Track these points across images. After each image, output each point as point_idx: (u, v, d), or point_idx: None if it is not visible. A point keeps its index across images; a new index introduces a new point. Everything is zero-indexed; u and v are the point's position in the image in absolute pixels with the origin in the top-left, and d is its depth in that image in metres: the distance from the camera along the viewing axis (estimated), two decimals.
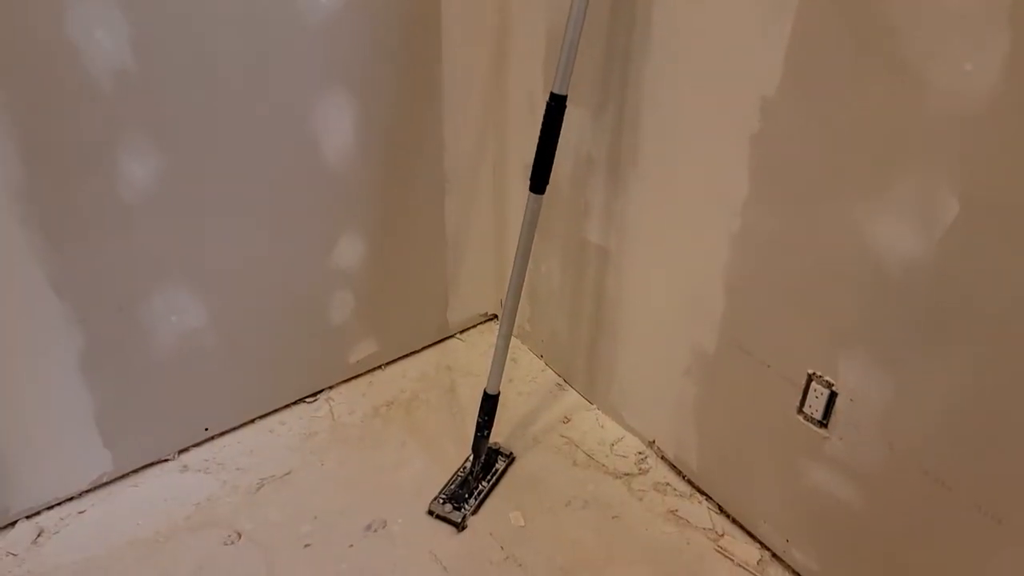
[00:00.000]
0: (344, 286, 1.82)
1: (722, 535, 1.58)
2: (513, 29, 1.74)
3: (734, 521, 1.60)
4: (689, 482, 1.69)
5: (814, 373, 1.28)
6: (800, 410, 1.33)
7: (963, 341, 1.05)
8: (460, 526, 1.58)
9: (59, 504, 1.59)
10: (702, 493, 1.67)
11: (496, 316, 2.23)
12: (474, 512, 1.62)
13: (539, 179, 1.38)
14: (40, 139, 1.28)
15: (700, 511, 1.63)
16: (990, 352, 1.03)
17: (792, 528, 1.46)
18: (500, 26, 1.76)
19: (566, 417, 1.90)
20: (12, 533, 1.52)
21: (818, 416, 1.29)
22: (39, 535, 1.53)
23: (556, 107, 1.31)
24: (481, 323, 2.22)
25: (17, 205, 1.29)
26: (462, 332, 2.18)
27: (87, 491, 1.62)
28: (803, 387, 1.31)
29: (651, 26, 1.37)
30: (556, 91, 1.30)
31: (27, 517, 1.55)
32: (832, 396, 1.26)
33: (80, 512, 1.59)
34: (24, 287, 1.36)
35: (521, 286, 1.50)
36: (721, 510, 1.63)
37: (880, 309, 1.14)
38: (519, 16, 1.71)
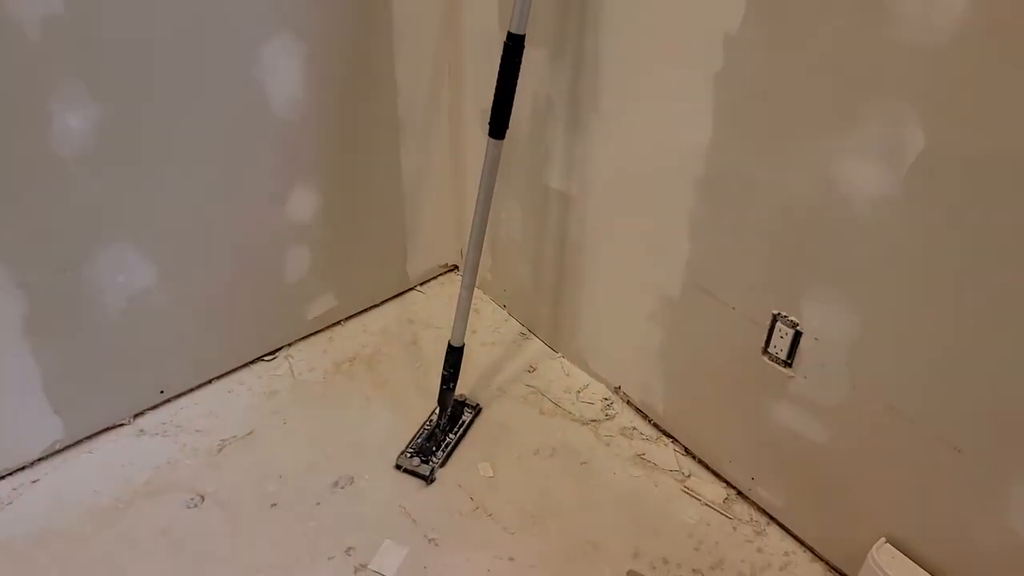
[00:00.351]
0: (299, 240, 1.76)
1: (688, 476, 1.60)
2: None
3: (700, 462, 1.62)
4: (655, 426, 1.71)
5: (779, 313, 1.29)
6: (765, 351, 1.34)
7: (930, 278, 1.06)
8: (428, 479, 1.57)
9: (10, 474, 1.53)
10: (668, 436, 1.68)
11: (457, 267, 2.20)
12: (442, 465, 1.61)
13: (498, 124, 1.34)
14: None
15: (666, 454, 1.65)
16: (957, 287, 1.03)
17: (757, 467, 1.48)
18: None
19: (531, 366, 1.89)
20: None
21: (783, 356, 1.30)
22: None
23: (514, 47, 1.26)
24: (441, 274, 2.18)
25: None
26: (422, 284, 2.15)
27: (39, 460, 1.56)
28: (768, 328, 1.31)
29: None
30: (513, 31, 1.25)
31: None
32: (797, 336, 1.27)
33: (33, 481, 1.53)
34: None
35: (483, 236, 1.47)
36: (687, 452, 1.65)
37: (846, 248, 1.14)
38: None
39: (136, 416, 1.68)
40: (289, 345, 1.90)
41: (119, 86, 1.33)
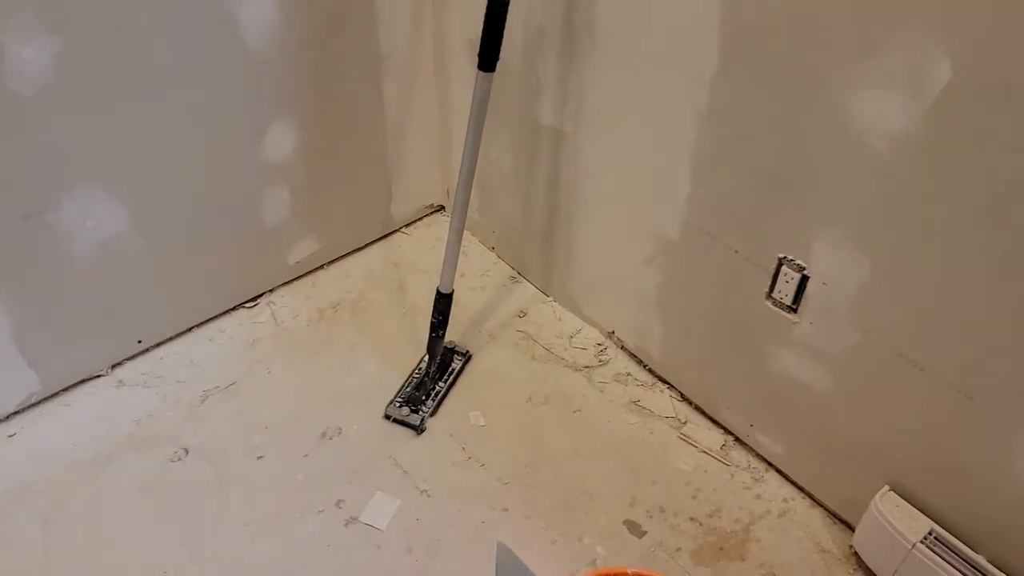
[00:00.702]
0: (278, 180, 1.68)
1: (685, 423, 1.57)
2: None
3: (697, 408, 1.59)
4: (650, 371, 1.67)
5: (785, 257, 1.23)
6: (769, 295, 1.28)
7: (949, 219, 1.00)
8: (419, 429, 1.53)
9: None
10: (664, 382, 1.65)
11: (443, 207, 2.12)
12: (432, 414, 1.57)
13: (488, 55, 1.25)
14: None
15: (662, 400, 1.62)
16: (973, 228, 0.98)
17: (756, 413, 1.45)
18: None
19: (522, 311, 1.84)
20: None
21: (787, 301, 1.25)
22: None
23: None
24: (427, 215, 2.11)
25: None
26: (407, 226, 2.07)
27: (14, 413, 1.51)
28: (773, 272, 1.26)
29: None
30: None
31: None
32: (803, 280, 1.21)
33: (10, 436, 1.48)
34: None
35: (472, 176, 1.39)
36: (683, 398, 1.61)
37: (861, 188, 1.08)
38: None
39: (114, 367, 1.62)
40: (271, 291, 1.83)
41: (78, 16, 1.22)
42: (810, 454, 1.38)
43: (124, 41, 1.30)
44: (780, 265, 1.24)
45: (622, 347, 1.72)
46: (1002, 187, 0.93)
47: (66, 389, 1.56)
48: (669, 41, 1.25)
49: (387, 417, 1.56)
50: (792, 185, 1.17)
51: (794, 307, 1.25)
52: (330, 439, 1.52)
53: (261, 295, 1.82)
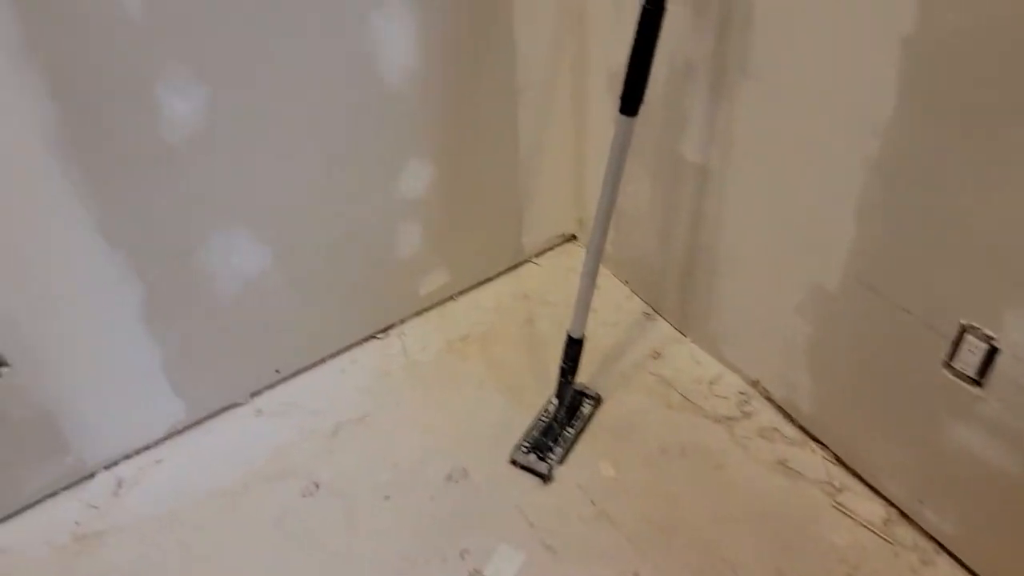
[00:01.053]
0: (411, 214, 1.67)
1: (840, 489, 1.42)
2: None
3: (854, 474, 1.44)
4: (801, 428, 1.53)
5: (969, 324, 1.07)
6: (948, 364, 1.13)
7: None
8: (546, 478, 1.47)
9: (136, 454, 1.55)
10: (816, 441, 1.50)
11: (574, 236, 2.05)
12: (560, 462, 1.50)
13: (631, 99, 1.17)
14: (73, 78, 1.13)
15: (814, 461, 1.48)
16: None
17: (927, 487, 1.29)
18: None
19: (656, 352, 1.74)
20: (92, 485, 1.50)
21: (971, 373, 1.10)
22: (119, 486, 1.50)
23: (654, 10, 1.08)
24: (558, 245, 2.05)
25: (56, 152, 1.17)
26: (538, 256, 2.02)
27: (162, 439, 1.57)
28: (954, 340, 1.10)
29: None
30: None
31: (105, 468, 1.52)
32: (992, 352, 1.06)
33: (157, 461, 1.55)
34: (74, 240, 1.26)
35: (608, 220, 1.31)
36: (838, 460, 1.46)
37: None
38: None
39: (253, 395, 1.66)
40: (401, 322, 1.83)
41: (225, 65, 1.25)
42: (992, 539, 1.21)
43: (268, 87, 1.32)
44: (963, 333, 1.08)
45: (768, 398, 1.59)
46: None
47: (209, 417, 1.62)
48: (836, 76, 1.13)
49: (513, 462, 1.51)
50: (984, 244, 1.01)
51: (979, 380, 1.09)
52: (456, 482, 1.49)
53: (392, 326, 1.82)
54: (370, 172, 1.55)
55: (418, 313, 1.85)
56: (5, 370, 1.28)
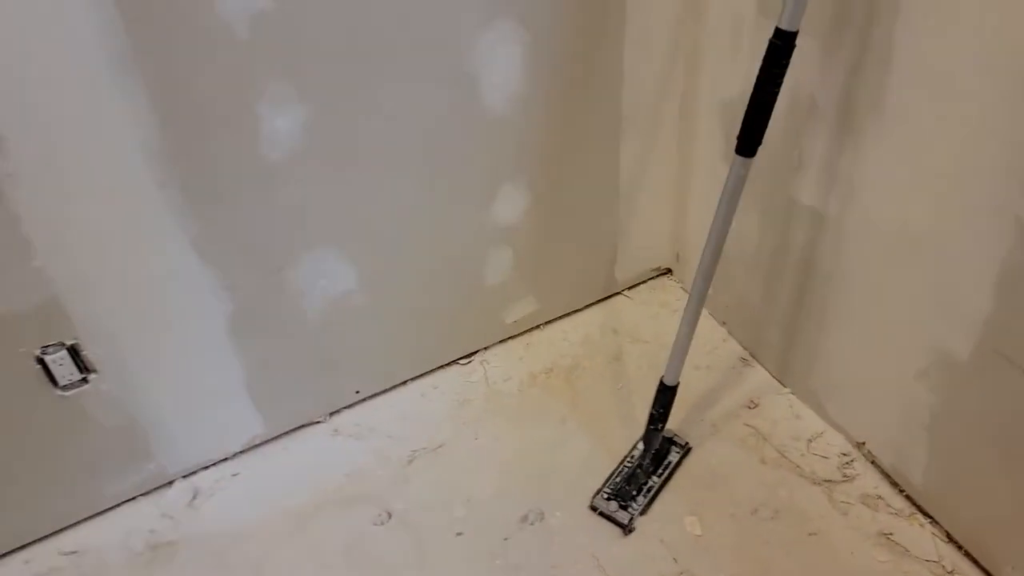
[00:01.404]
0: (503, 241, 1.62)
1: (951, 572, 1.29)
2: None
3: (967, 555, 1.30)
4: (908, 499, 1.40)
5: None
6: None
7: None
8: (627, 529, 1.39)
9: (214, 465, 1.55)
10: (925, 515, 1.37)
11: (670, 270, 1.96)
12: (642, 512, 1.42)
13: (750, 140, 1.09)
14: (175, 94, 1.13)
15: (922, 537, 1.35)
16: None
17: None
18: None
19: (752, 401, 1.63)
20: (169, 493, 1.50)
21: None
22: (194, 497, 1.50)
23: (783, 47, 0.99)
24: (652, 278, 1.96)
25: (154, 167, 1.17)
26: (630, 288, 1.94)
27: (240, 452, 1.57)
28: None
29: None
30: (784, 26, 0.98)
31: (183, 477, 1.52)
32: None
33: (234, 475, 1.54)
34: (169, 254, 1.26)
35: (714, 266, 1.23)
36: (950, 539, 1.33)
37: None
38: None
39: (332, 414, 1.65)
40: (485, 349, 1.79)
41: (327, 85, 1.24)
42: None
43: (368, 107, 1.29)
44: None
45: (873, 462, 1.46)
46: None
47: (287, 433, 1.61)
48: (985, 124, 1.01)
49: (593, 509, 1.43)
50: None
51: None
52: (531, 524, 1.43)
53: (475, 352, 1.78)
54: (465, 196, 1.51)
55: (503, 341, 1.80)
56: (93, 376, 1.30)
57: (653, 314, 1.86)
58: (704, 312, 1.81)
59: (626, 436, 1.56)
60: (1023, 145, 0.97)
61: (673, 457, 1.51)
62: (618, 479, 1.47)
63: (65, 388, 1.28)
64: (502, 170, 1.52)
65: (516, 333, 1.81)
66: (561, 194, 1.63)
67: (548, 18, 1.36)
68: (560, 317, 1.86)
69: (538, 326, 1.83)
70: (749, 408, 1.62)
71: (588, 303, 1.89)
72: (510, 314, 1.76)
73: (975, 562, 1.30)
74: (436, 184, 1.45)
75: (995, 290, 1.08)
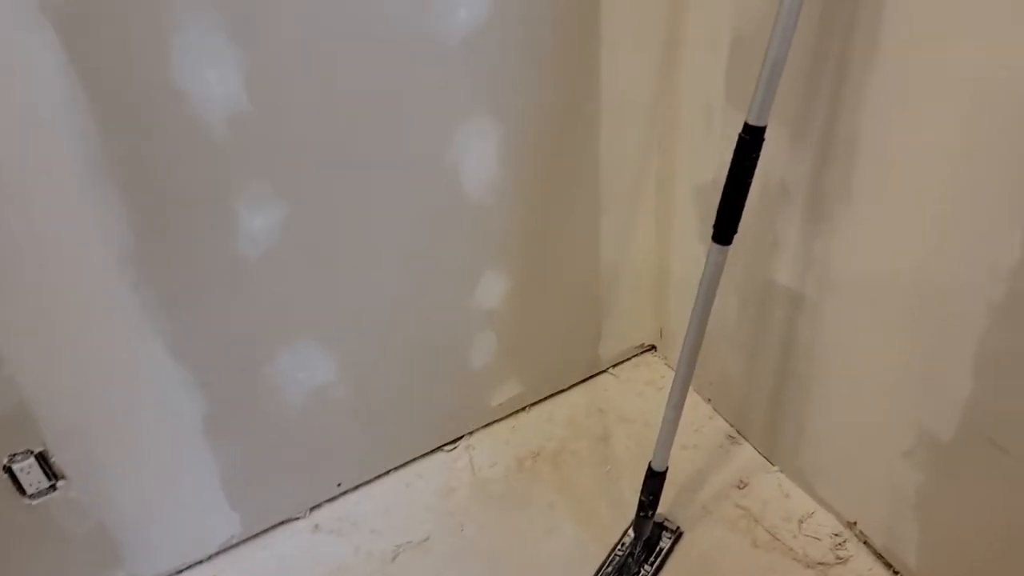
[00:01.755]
0: (486, 325, 1.61)
1: None
2: (688, 38, 1.43)
3: None
4: None
5: None
6: None
7: None
8: None
9: (188, 568, 1.49)
10: None
11: (654, 347, 1.96)
12: None
13: (725, 229, 1.10)
14: (151, 197, 1.13)
15: None
16: None
17: None
18: (670, 38, 1.46)
19: (742, 481, 1.61)
20: None
21: None
22: None
23: (751, 141, 1.01)
24: (636, 355, 1.95)
25: (128, 269, 1.16)
26: (615, 366, 1.93)
27: (216, 554, 1.51)
28: None
29: (880, 30, 1.04)
30: (752, 122, 1.00)
31: None
32: None
33: None
34: (141, 353, 1.23)
35: (697, 351, 1.23)
36: None
37: None
38: (696, 24, 1.40)
39: (312, 509, 1.60)
40: (470, 434, 1.76)
41: (306, 182, 1.24)
42: None
43: (346, 202, 1.30)
44: None
45: (865, 542, 1.44)
46: None
47: (265, 531, 1.55)
48: (953, 209, 1.03)
49: None
50: None
51: None
52: None
53: (460, 438, 1.75)
54: (445, 284, 1.51)
55: (488, 425, 1.78)
56: (62, 483, 1.25)
57: (639, 392, 1.85)
58: (689, 389, 1.81)
59: (616, 520, 1.52)
60: (992, 230, 0.98)
61: (665, 543, 1.48)
62: (609, 569, 1.44)
63: (32, 496, 1.24)
64: (483, 257, 1.52)
65: (501, 416, 1.78)
66: (543, 276, 1.63)
67: (523, 109, 1.39)
68: (546, 398, 1.84)
69: (523, 408, 1.81)
70: (739, 488, 1.59)
71: (573, 383, 1.87)
72: (495, 397, 1.74)
73: None
74: (416, 273, 1.45)
75: (973, 371, 1.08)
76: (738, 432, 1.71)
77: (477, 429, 1.76)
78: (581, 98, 1.46)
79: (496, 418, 1.78)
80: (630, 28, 1.43)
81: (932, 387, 1.16)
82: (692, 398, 1.81)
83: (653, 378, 1.89)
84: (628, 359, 1.94)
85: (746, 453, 1.67)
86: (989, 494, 1.14)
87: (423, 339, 1.54)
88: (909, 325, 1.17)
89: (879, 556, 1.42)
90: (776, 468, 1.62)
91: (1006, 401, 1.05)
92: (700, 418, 1.77)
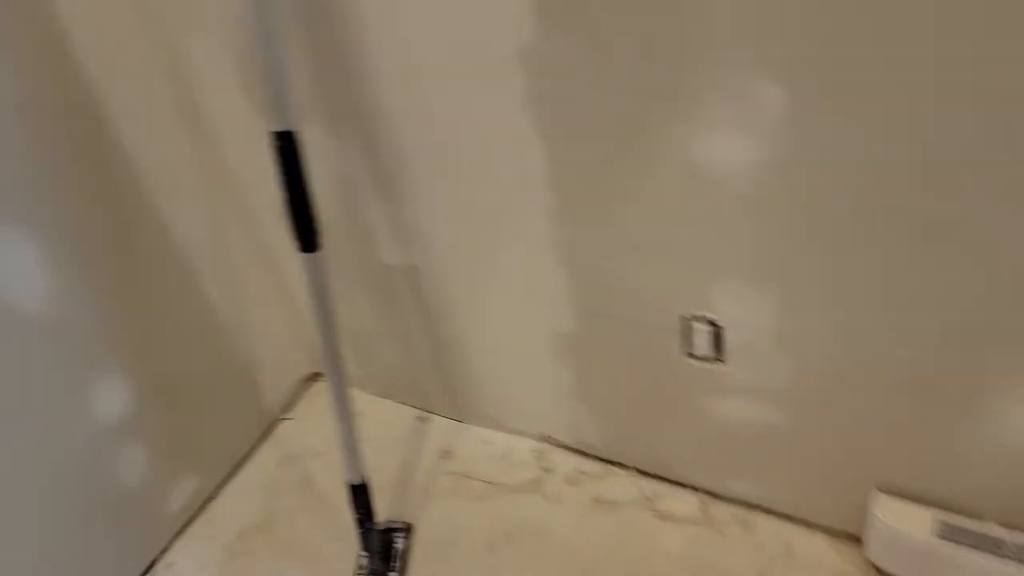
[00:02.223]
0: (125, 438, 1.44)
1: (653, 499, 1.47)
2: (193, 72, 1.38)
3: (660, 478, 1.49)
4: (599, 459, 1.55)
5: (692, 315, 1.15)
6: (690, 354, 1.20)
7: (828, 238, 0.95)
8: None
9: None
10: (617, 465, 1.53)
11: (319, 374, 1.93)
12: None
13: (305, 235, 1.10)
14: None
15: (623, 484, 1.51)
16: (863, 239, 0.93)
17: (722, 465, 1.36)
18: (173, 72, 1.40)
19: (445, 450, 1.68)
20: None
21: (710, 354, 1.18)
22: None
23: (286, 147, 1.02)
24: (305, 389, 1.91)
25: None
26: (288, 409, 1.86)
27: None
28: (683, 331, 1.18)
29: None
30: (278, 128, 1.01)
31: None
32: (718, 332, 1.14)
33: None
34: None
35: (337, 361, 1.24)
36: (642, 473, 1.51)
37: (735, 231, 1.02)
38: (197, 60, 1.36)
39: None
40: (164, 551, 1.58)
41: None
42: (790, 484, 1.31)
43: None
44: (688, 323, 1.16)
45: (561, 446, 1.60)
46: (869, 195, 0.89)
47: None
48: (488, 155, 1.16)
49: None
50: (667, 247, 1.10)
51: (719, 358, 1.18)
52: None
53: (155, 561, 1.56)
54: (45, 415, 1.30)
55: (179, 532, 1.61)
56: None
57: (320, 422, 1.80)
58: (366, 395, 1.83)
59: (348, 550, 1.49)
60: (521, 162, 1.12)
61: (399, 544, 1.49)
62: None
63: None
64: (89, 370, 1.35)
65: (190, 517, 1.63)
66: (164, 364, 1.50)
67: (60, 215, 1.24)
68: (232, 474, 1.72)
69: (212, 496, 1.67)
70: (444, 459, 1.66)
71: (253, 445, 1.77)
72: (171, 502, 1.58)
73: (667, 480, 1.48)
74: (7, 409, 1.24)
75: (561, 268, 1.24)
76: (424, 410, 1.78)
77: (170, 541, 1.59)
78: (126, 180, 1.35)
79: (186, 521, 1.62)
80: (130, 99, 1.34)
81: (542, 293, 1.31)
82: (372, 401, 1.83)
83: (328, 401, 1.86)
84: (299, 396, 1.89)
85: (439, 425, 1.75)
86: (617, 358, 1.33)
87: (51, 477, 1.33)
88: (501, 254, 1.30)
89: (576, 451, 1.58)
90: (470, 424, 1.72)
91: (589, 280, 1.23)
92: (387, 415, 1.80)
